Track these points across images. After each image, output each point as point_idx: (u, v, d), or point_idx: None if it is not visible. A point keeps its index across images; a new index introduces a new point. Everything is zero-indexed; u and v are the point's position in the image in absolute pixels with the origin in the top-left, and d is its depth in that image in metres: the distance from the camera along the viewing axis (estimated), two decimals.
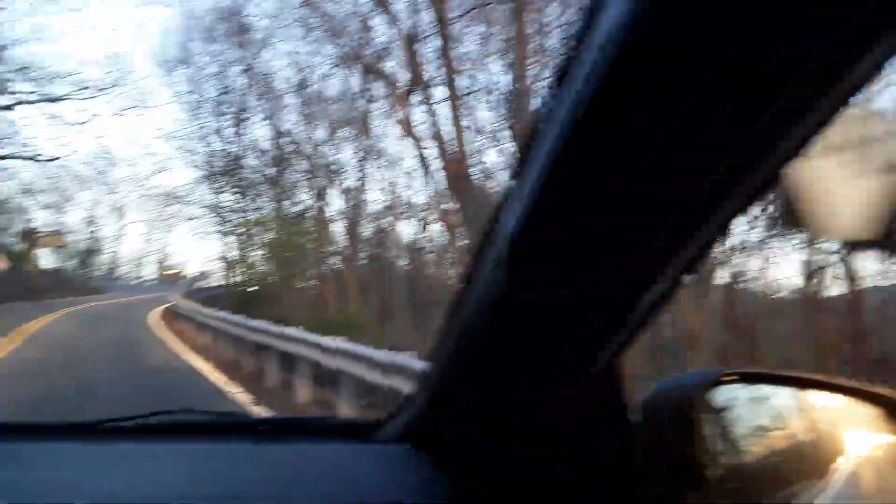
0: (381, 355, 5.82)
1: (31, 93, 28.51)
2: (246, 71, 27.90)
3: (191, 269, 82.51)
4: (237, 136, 30.24)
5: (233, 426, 1.38)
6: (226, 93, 29.46)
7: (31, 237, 34.51)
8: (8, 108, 29.23)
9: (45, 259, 64.69)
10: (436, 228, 18.25)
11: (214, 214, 32.70)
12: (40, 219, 51.57)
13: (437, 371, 0.95)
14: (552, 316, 0.70)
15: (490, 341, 0.79)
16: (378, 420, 1.21)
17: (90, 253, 53.82)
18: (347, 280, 18.40)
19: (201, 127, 30.95)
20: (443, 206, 15.50)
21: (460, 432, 0.95)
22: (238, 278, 31.29)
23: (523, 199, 0.63)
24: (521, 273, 0.67)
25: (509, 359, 0.80)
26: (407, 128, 15.40)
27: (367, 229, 21.41)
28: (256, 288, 24.63)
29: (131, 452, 1.20)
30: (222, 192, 30.54)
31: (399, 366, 5.38)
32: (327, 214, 22.22)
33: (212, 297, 37.68)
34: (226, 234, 31.40)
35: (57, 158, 29.42)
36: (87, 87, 29.51)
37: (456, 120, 14.17)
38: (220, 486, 1.03)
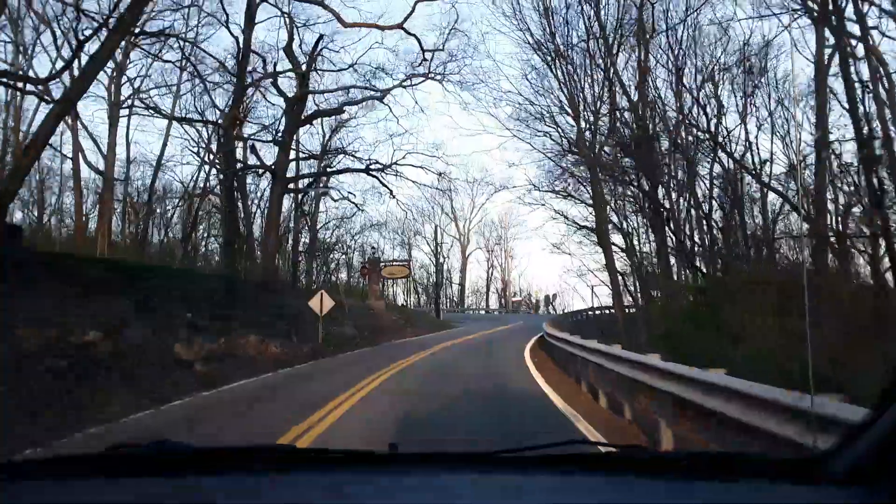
0: None
1: (354, 87, 23.45)
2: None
3: (535, 294, 78.07)
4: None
5: (639, 462, 1.28)
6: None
7: (374, 268, 30.05)
8: (337, 111, 24.69)
9: (392, 294, 64.96)
10: None
11: (578, 227, 24.22)
12: (387, 251, 50.11)
13: None
14: None
15: None
16: (815, 457, 1.14)
17: (436, 286, 50.84)
18: None
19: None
20: None
21: None
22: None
23: None
24: None
25: None
26: None
27: None
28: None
29: (532, 484, 1.19)
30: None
31: None
32: None
33: (578, 323, 28.98)
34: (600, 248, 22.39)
35: (389, 166, 23.87)
36: (405, 76, 23.57)
37: None
38: None
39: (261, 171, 23.20)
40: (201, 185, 27.99)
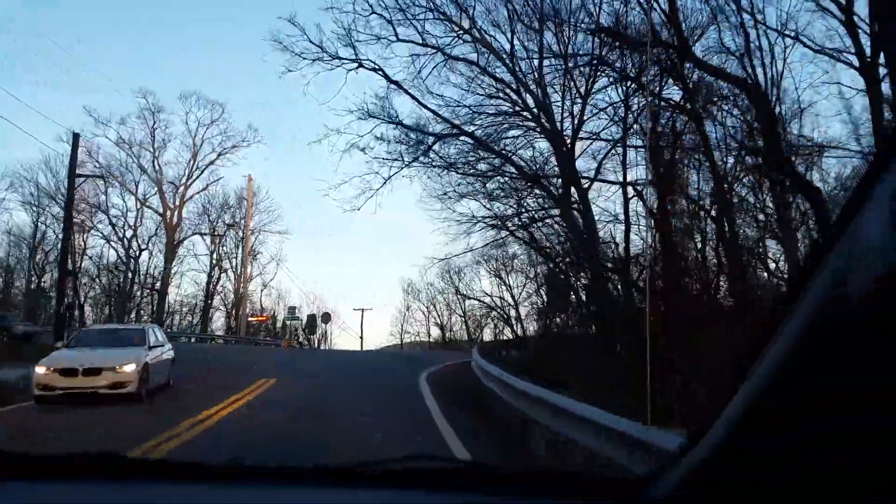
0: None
1: None
2: None
3: (290, 314, 47.01)
4: None
5: (478, 476, 1.31)
6: None
7: None
8: None
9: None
10: None
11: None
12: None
13: (729, 423, 0.85)
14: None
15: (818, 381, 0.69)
16: (639, 477, 1.17)
17: (61, 270, 32.72)
18: None
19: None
20: None
21: (768, 491, 0.80)
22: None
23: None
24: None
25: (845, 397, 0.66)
26: None
27: None
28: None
29: (362, 498, 1.26)
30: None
31: None
32: None
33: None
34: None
35: None
36: None
37: None
38: None
39: None
40: None
